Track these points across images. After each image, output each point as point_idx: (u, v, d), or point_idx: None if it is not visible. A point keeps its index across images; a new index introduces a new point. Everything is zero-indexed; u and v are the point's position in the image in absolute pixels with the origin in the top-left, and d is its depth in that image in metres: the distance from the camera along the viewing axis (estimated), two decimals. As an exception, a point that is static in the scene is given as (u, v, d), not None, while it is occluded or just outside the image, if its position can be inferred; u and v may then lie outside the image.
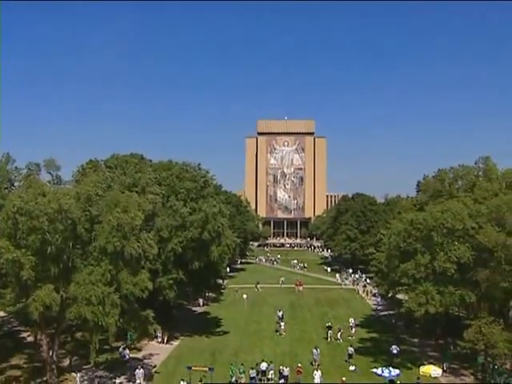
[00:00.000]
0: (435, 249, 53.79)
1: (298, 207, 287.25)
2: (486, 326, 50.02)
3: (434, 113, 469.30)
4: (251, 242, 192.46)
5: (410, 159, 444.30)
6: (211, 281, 75.90)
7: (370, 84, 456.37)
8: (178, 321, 73.53)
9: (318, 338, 68.37)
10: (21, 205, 43.57)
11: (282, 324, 72.62)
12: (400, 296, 66.07)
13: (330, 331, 68.46)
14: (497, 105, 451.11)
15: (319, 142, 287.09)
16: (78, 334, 56.74)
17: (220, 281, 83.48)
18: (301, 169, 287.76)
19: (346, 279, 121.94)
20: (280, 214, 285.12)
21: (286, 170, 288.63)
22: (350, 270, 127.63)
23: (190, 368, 47.88)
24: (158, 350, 61.96)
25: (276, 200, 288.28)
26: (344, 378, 48.37)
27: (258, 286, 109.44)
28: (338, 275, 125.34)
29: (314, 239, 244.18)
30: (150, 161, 77.85)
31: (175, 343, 65.87)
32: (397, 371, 48.61)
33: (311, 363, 56.31)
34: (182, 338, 68.26)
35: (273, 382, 51.55)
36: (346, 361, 57.12)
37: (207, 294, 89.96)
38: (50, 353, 49.76)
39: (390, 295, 74.15)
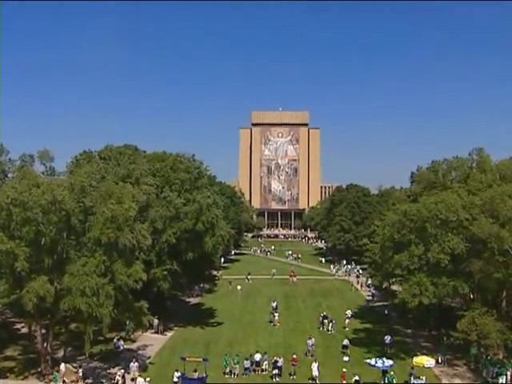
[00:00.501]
0: (429, 240, 53.93)
1: (292, 198, 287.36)
2: (479, 317, 50.28)
3: (428, 104, 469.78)
4: (245, 233, 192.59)
5: (404, 150, 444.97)
6: (205, 272, 76.01)
7: (365, 75, 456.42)
8: (172, 312, 73.58)
9: (311, 328, 68.65)
10: (14, 196, 43.53)
11: (276, 315, 72.77)
12: (394, 287, 66.34)
13: (325, 321, 68.82)
14: (491, 97, 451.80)
15: (313, 133, 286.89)
16: (73, 325, 56.61)
17: (214, 272, 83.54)
18: (295, 160, 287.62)
19: (339, 270, 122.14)
20: (274, 205, 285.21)
21: (280, 161, 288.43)
22: (344, 261, 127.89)
23: (184, 359, 47.92)
24: (152, 341, 62.00)
25: (270, 191, 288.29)
26: (345, 370, 48.41)
27: (249, 276, 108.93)
28: (332, 266, 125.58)
29: (308, 230, 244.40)
30: (144, 152, 77.73)
31: (169, 334, 65.97)
32: (390, 362, 48.80)
33: (305, 354, 56.59)
34: (176, 328, 68.37)
35: (267, 372, 51.70)
36: (343, 352, 57.24)
37: (201, 285, 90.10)
38: (45, 344, 49.86)
39: (383, 286, 74.38)
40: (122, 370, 48.06)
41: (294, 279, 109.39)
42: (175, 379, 47.24)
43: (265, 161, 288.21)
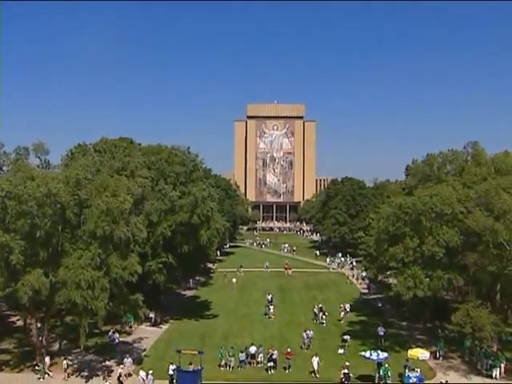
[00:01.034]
0: (424, 233, 54.10)
1: (287, 191, 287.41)
2: (474, 310, 50.39)
3: (423, 98, 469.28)
4: (240, 226, 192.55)
5: (399, 143, 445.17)
6: (200, 265, 76.04)
7: (361, 69, 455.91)
8: (168, 305, 73.62)
9: (306, 321, 68.80)
10: (9, 189, 43.51)
11: (272, 307, 72.95)
12: (389, 280, 66.51)
13: (320, 313, 69.04)
14: (486, 90, 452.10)
15: (309, 125, 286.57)
16: (68, 318, 56.75)
17: (209, 264, 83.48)
18: (290, 153, 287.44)
19: (333, 262, 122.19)
20: (269, 198, 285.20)
21: (275, 154, 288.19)
22: (340, 254, 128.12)
23: (179, 351, 47.96)
24: (147, 334, 62.08)
25: (265, 184, 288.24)
26: (347, 363, 48.36)
27: (241, 269, 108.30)
28: (328, 259, 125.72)
29: (304, 223, 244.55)
30: (139, 145, 77.56)
31: (165, 327, 66.06)
32: (385, 354, 48.90)
33: (300, 346, 56.76)
34: (171, 321, 68.47)
35: (262, 365, 51.82)
36: (341, 346, 57.29)
37: (197, 278, 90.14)
38: (40, 337, 49.92)
39: (378, 279, 74.53)
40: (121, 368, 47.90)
41: (289, 272, 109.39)
42: (170, 372, 47.33)
43: (260, 154, 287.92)
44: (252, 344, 53.32)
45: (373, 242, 65.49)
